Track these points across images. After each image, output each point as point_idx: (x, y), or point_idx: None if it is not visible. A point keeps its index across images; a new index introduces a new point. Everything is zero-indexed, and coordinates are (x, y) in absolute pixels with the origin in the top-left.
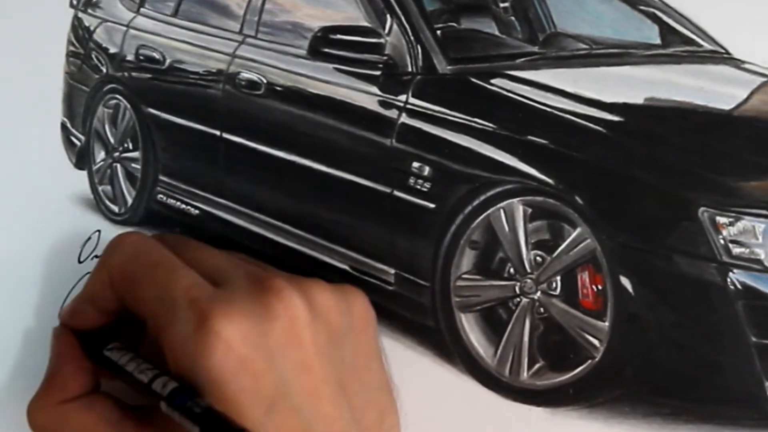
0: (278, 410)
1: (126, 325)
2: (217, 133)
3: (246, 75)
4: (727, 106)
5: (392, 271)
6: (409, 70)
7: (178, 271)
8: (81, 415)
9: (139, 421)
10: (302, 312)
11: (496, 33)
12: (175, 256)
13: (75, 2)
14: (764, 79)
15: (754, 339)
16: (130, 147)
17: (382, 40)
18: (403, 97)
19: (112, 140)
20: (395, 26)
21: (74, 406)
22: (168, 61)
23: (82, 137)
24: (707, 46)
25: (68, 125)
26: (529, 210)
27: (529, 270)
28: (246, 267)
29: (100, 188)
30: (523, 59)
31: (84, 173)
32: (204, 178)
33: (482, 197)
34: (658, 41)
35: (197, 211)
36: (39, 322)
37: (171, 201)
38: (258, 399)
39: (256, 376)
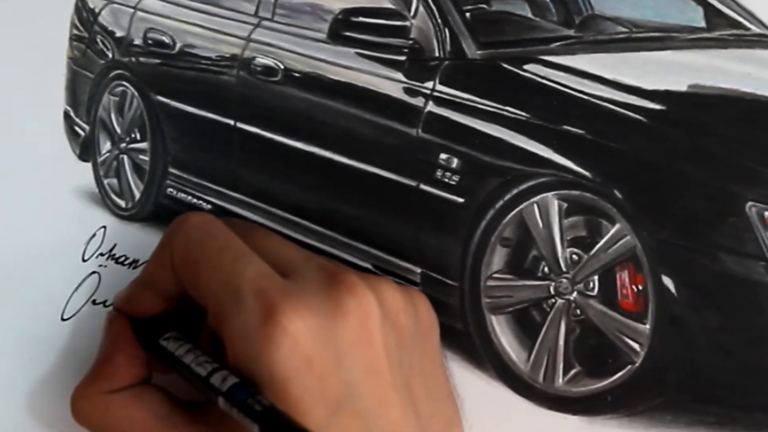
0: (343, 414)
1: (184, 313)
2: (231, 122)
3: (262, 60)
4: None
5: (418, 270)
6: (436, 55)
7: (246, 258)
8: (128, 407)
9: (191, 417)
10: (375, 310)
11: (529, 15)
12: (243, 243)
13: None
14: None
15: None
16: (138, 137)
17: (407, 23)
18: (429, 84)
19: (118, 130)
20: (421, 8)
21: (121, 396)
22: (178, 46)
23: (87, 127)
24: (755, 29)
25: (71, 114)
26: (565, 205)
27: (564, 269)
28: (317, 259)
29: (105, 181)
30: (558, 43)
31: (88, 165)
32: (217, 170)
33: (514, 191)
34: (702, 24)
35: (209, 206)
36: (40, 323)
37: (181, 195)
38: (322, 401)
39: (322, 377)
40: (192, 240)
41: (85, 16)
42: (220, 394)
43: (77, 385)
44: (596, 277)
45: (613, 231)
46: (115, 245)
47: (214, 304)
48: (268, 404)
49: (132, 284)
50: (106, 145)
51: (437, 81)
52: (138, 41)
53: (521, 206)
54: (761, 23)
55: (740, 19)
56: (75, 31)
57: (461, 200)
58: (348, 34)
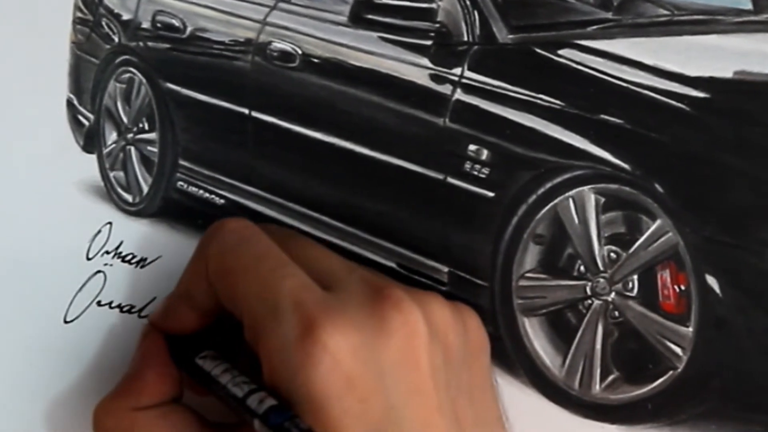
0: None
1: (224, 330)
2: (246, 111)
3: (278, 45)
4: None
5: (445, 269)
6: (465, 39)
7: (285, 268)
8: (154, 427)
9: None
10: (422, 328)
11: None
12: (283, 251)
13: None
14: None
15: None
16: (146, 127)
17: (433, 5)
18: (457, 71)
19: (125, 119)
20: None
21: (148, 415)
22: (189, 29)
23: (91, 116)
24: None
25: (75, 102)
26: (602, 199)
27: (601, 268)
28: (361, 271)
29: (111, 174)
30: (595, 27)
31: (93, 157)
32: (230, 162)
33: (548, 185)
34: (749, 6)
35: (222, 201)
36: (41, 326)
37: (192, 189)
38: (363, 423)
39: (363, 398)
40: (228, 247)
41: None
42: (256, 417)
43: (102, 399)
44: (636, 277)
45: (653, 227)
46: (121, 243)
47: (250, 316)
48: (307, 428)
49: (167, 298)
50: (111, 136)
51: (466, 67)
52: (146, 24)
53: (555, 201)
54: None
55: None
56: (79, 14)
57: (491, 194)
58: (370, 17)
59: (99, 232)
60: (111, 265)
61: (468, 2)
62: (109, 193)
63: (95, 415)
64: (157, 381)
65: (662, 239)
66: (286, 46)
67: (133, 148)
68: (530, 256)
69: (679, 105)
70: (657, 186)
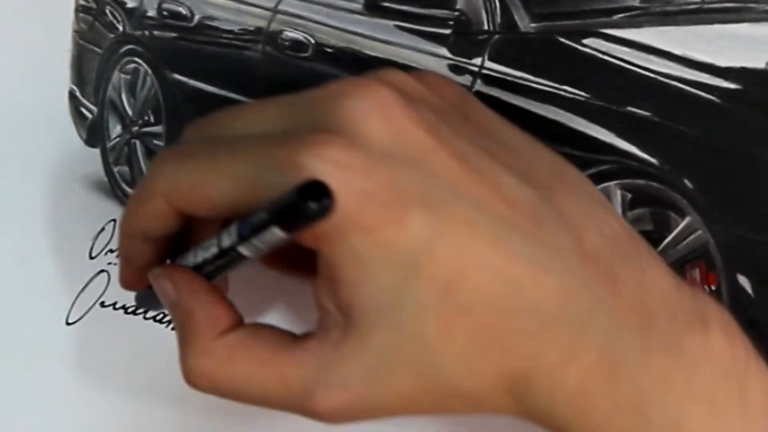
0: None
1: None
2: None
3: (290, 34)
4: None
5: None
6: (485, 28)
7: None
8: (248, 341)
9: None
10: (390, 95)
11: None
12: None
13: None
14: None
15: None
16: (152, 120)
17: None
18: (477, 61)
19: (129, 112)
20: None
21: (232, 337)
22: (197, 18)
23: (95, 108)
24: None
25: (77, 94)
26: (629, 195)
27: None
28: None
29: (115, 169)
30: (621, 15)
31: (96, 151)
32: None
33: None
34: None
35: None
36: (42, 328)
37: None
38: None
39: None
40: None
41: None
42: (237, 245)
43: (181, 352)
44: None
45: (682, 225)
46: None
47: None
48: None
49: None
50: (116, 129)
51: (486, 57)
52: (152, 12)
53: None
54: None
55: None
56: (81, 1)
57: None
58: (386, 4)
59: (102, 229)
60: (115, 264)
61: None
62: (113, 188)
63: (186, 368)
64: (220, 302)
65: (692, 237)
66: (299, 35)
67: (138, 142)
68: None
69: (710, 97)
70: (686, 181)
